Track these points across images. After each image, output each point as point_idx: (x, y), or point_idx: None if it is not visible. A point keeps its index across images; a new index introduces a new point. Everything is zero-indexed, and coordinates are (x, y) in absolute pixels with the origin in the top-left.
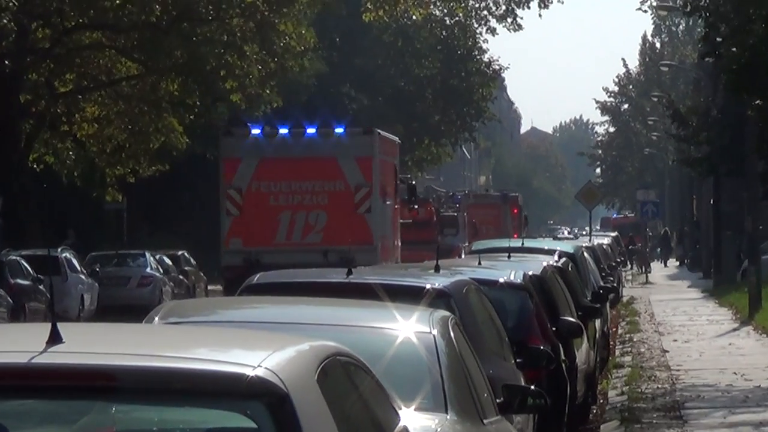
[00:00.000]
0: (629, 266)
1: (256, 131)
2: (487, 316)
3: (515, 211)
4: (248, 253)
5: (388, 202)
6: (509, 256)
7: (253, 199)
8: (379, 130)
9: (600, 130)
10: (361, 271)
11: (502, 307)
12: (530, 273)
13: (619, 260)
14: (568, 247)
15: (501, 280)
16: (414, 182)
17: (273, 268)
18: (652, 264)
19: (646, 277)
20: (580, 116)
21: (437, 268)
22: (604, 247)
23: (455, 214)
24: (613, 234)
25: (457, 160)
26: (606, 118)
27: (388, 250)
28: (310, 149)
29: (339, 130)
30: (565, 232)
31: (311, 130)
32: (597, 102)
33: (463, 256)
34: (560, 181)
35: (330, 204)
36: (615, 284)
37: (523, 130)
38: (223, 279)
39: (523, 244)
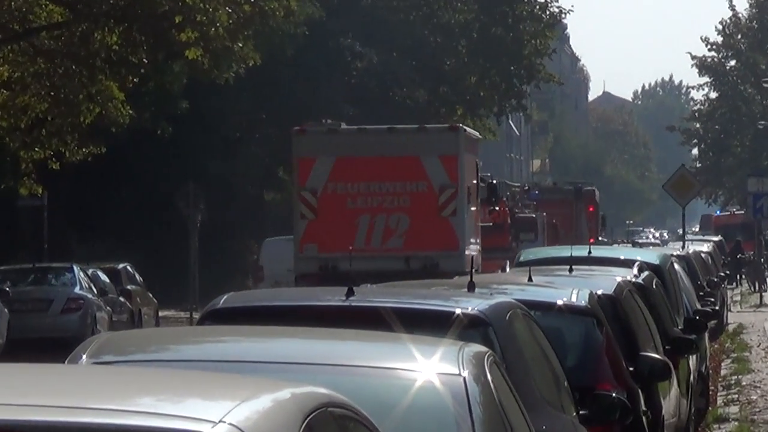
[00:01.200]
0: (737, 282)
1: (332, 128)
2: (538, 352)
3: (591, 209)
4: (324, 260)
5: (472, 206)
6: (571, 270)
7: (329, 201)
8: (464, 127)
9: (697, 95)
10: (367, 292)
11: (561, 340)
12: (599, 292)
13: (723, 274)
14: (652, 256)
15: (559, 302)
16: (495, 181)
17: (351, 276)
18: None
19: (761, 297)
20: (670, 77)
21: (471, 287)
22: (703, 256)
23: (533, 215)
24: (716, 238)
25: (502, 138)
26: (705, 79)
27: (474, 257)
28: (390, 147)
29: (423, 126)
30: (650, 236)
31: (392, 126)
32: (693, 57)
33: (507, 270)
34: (643, 165)
35: (412, 206)
36: (717, 307)
37: (592, 96)
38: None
39: (590, 252)
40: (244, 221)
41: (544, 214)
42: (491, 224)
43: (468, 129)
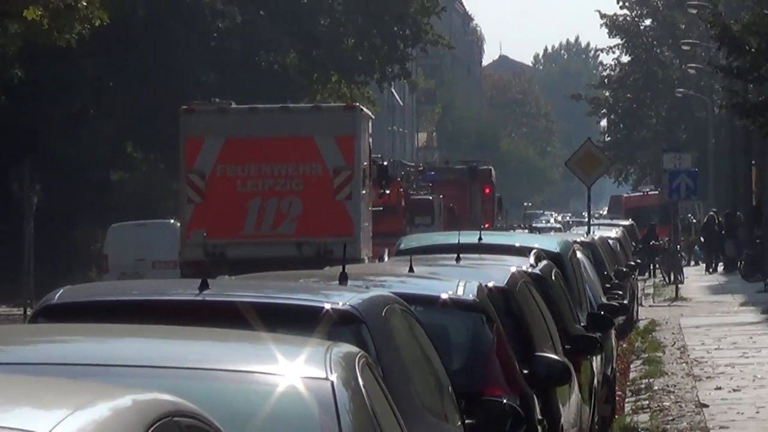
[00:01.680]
0: (650, 273)
1: (222, 106)
2: (419, 353)
3: (487, 190)
4: (212, 246)
5: (365, 189)
6: (458, 259)
7: (217, 184)
8: (361, 106)
9: (607, 59)
10: (224, 285)
11: (445, 339)
12: (490, 285)
13: (633, 264)
14: (552, 243)
15: (443, 296)
16: (385, 162)
17: (239, 263)
18: (686, 269)
19: (676, 289)
20: (576, 39)
21: (343, 278)
22: (611, 243)
23: (429, 197)
24: (626, 222)
25: (383, 109)
26: (617, 40)
27: (367, 242)
28: (283, 128)
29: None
30: (552, 220)
31: (285, 106)
32: (602, 16)
33: (386, 258)
34: (544, 139)
35: (305, 190)
36: (626, 301)
37: (486, 61)
38: (182, 277)
39: (480, 239)
40: (87, 205)
41: (441, 196)
42: (381, 208)
43: (363, 108)
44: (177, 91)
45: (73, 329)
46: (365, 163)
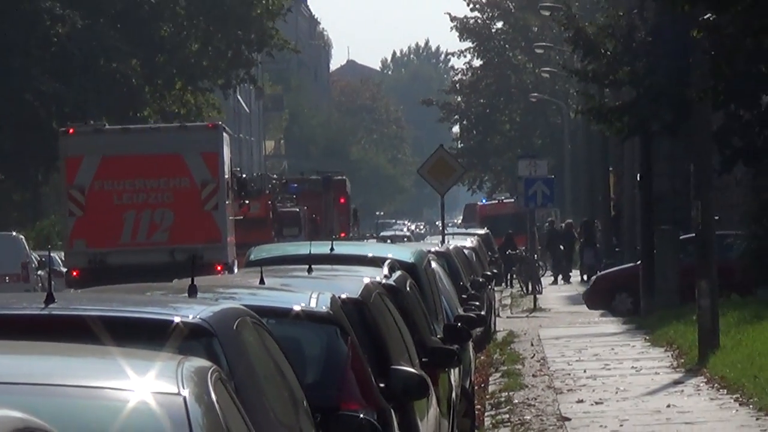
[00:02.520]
0: (506, 283)
1: (98, 128)
2: (272, 367)
3: (342, 200)
4: (93, 255)
5: (228, 200)
6: (310, 270)
7: (96, 198)
8: (223, 125)
9: (459, 63)
10: (70, 298)
11: (299, 352)
12: (343, 296)
13: (490, 273)
14: (405, 253)
15: (296, 308)
16: (245, 175)
17: (119, 269)
18: (544, 279)
19: (535, 300)
20: (426, 43)
21: (192, 291)
22: (466, 252)
23: (296, 209)
24: (482, 231)
25: (229, 116)
26: (468, 44)
27: (232, 249)
28: (154, 146)
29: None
30: (405, 229)
31: (155, 126)
32: (452, 19)
33: (236, 270)
34: (395, 146)
35: (176, 202)
36: (483, 312)
37: (334, 66)
38: (67, 283)
39: (332, 249)
40: None
41: (306, 207)
42: (242, 217)
43: (225, 127)
44: (16, 101)
45: None
46: (227, 176)
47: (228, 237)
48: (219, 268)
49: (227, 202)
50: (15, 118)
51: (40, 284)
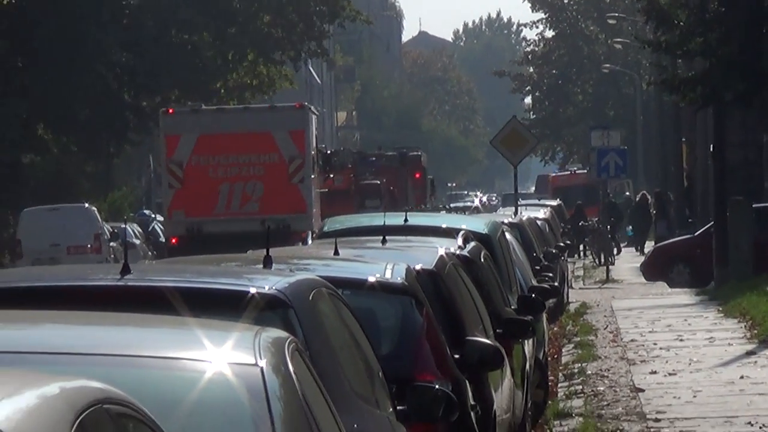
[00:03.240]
0: (580, 254)
1: (194, 108)
2: (348, 338)
3: (417, 175)
4: (191, 223)
5: (314, 174)
6: (384, 241)
7: (193, 172)
8: (309, 105)
9: (531, 34)
10: (146, 269)
11: (374, 323)
12: (418, 267)
13: (563, 245)
14: (479, 224)
15: (371, 279)
16: (330, 151)
17: (214, 237)
18: (617, 250)
19: (607, 271)
20: (498, 14)
21: (268, 262)
22: (539, 223)
23: (377, 182)
24: (554, 203)
25: (301, 87)
26: (540, 15)
27: (317, 218)
28: (246, 124)
29: (273, 105)
30: (476, 201)
31: (246, 106)
32: None
33: (309, 242)
34: (467, 118)
35: (266, 175)
36: (556, 283)
37: (406, 37)
38: (167, 249)
39: (406, 220)
40: None
41: (384, 180)
42: (327, 190)
43: (311, 107)
44: (88, 72)
45: None
46: (313, 152)
47: (313, 208)
48: (303, 235)
49: (312, 176)
50: (87, 90)
51: (112, 256)
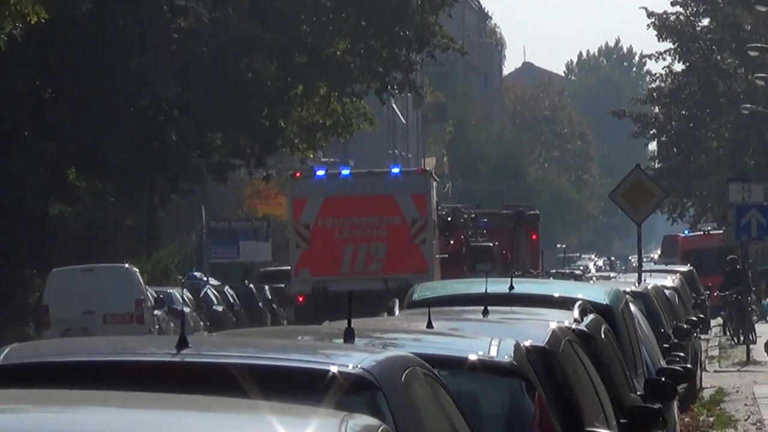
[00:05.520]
0: (716, 330)
1: (320, 173)
2: (446, 427)
3: (534, 236)
4: (316, 282)
5: (435, 237)
6: (486, 312)
7: (319, 233)
8: (430, 170)
9: (656, 67)
10: (206, 342)
11: (476, 410)
12: (527, 344)
13: (695, 318)
14: (598, 293)
15: (472, 357)
16: (450, 219)
17: (339, 295)
18: (759, 325)
19: (748, 350)
20: (617, 43)
21: (349, 335)
22: (667, 293)
23: (490, 244)
24: (684, 268)
25: (383, 127)
26: (667, 44)
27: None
28: (369, 188)
29: (395, 170)
30: (591, 266)
31: (370, 171)
32: (650, 15)
33: (396, 312)
34: (580, 166)
35: (389, 236)
36: (688, 365)
37: (508, 69)
38: (293, 306)
39: (512, 288)
40: (21, 244)
41: (497, 243)
42: (447, 255)
43: (432, 172)
44: (130, 107)
45: (27, 396)
46: (434, 217)
47: (434, 269)
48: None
49: (435, 240)
50: (128, 129)
51: (157, 326)
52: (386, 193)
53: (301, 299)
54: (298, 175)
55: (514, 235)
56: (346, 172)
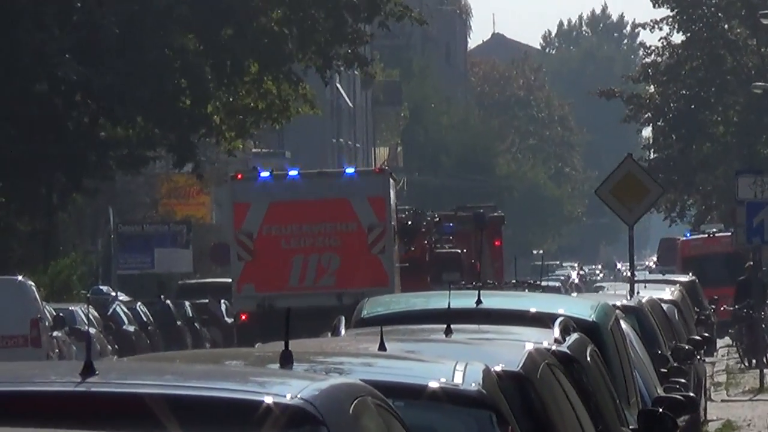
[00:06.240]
0: (723, 351)
1: (265, 174)
2: None
3: (497, 243)
4: (262, 298)
5: (394, 244)
6: (449, 331)
7: (264, 243)
8: (389, 170)
9: (651, 39)
10: (116, 368)
11: None
12: (499, 369)
13: (699, 338)
14: (583, 308)
15: (433, 384)
16: (410, 222)
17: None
18: None
19: (761, 376)
20: (604, 9)
21: (286, 359)
22: (665, 307)
23: (458, 250)
24: (684, 278)
25: (327, 111)
26: (664, 11)
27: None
28: (320, 191)
29: (350, 170)
30: (573, 275)
31: (321, 171)
32: None
33: (342, 331)
34: (560, 156)
35: (343, 245)
36: (690, 393)
37: (475, 42)
38: (236, 326)
39: (479, 302)
40: None
41: (465, 250)
42: (408, 264)
43: (391, 172)
44: (23, 91)
45: None
46: (393, 222)
47: (394, 281)
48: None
49: (395, 247)
50: (20, 116)
51: (56, 350)
52: (340, 196)
53: (244, 317)
54: (239, 176)
55: (479, 241)
56: (293, 173)
